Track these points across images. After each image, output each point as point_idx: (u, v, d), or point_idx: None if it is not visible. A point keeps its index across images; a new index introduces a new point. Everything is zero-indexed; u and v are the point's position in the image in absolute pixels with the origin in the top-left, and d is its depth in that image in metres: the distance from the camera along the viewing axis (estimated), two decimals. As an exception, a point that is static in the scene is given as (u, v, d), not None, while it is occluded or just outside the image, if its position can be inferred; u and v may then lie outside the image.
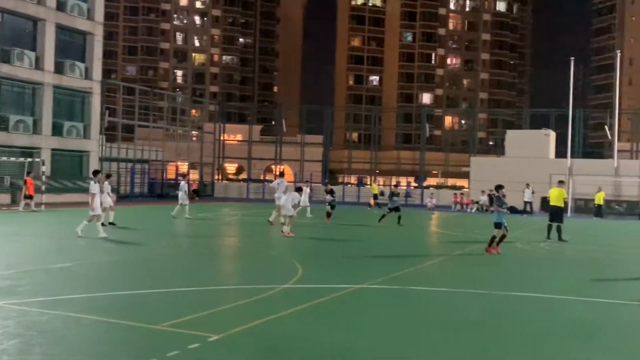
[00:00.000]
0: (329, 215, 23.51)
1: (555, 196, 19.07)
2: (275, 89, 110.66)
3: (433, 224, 26.77)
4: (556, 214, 18.68)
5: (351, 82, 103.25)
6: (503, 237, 14.76)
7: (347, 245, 16.25)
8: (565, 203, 19.27)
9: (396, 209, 22.77)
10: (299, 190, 19.54)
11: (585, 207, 38.86)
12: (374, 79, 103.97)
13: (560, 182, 19.99)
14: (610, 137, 44.83)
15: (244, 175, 57.57)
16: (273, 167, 58.00)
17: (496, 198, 15.44)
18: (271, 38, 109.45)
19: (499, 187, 15.57)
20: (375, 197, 40.54)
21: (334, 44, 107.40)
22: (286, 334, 6.51)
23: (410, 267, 11.85)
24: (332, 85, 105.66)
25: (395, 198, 23.48)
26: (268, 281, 9.65)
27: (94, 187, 15.68)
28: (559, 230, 18.33)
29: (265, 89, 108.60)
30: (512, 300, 8.89)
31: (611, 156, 42.97)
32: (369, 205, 38.64)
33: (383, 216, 23.14)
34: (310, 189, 29.16)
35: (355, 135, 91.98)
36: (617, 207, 39.02)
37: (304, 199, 27.13)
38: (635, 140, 54.09)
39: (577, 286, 10.50)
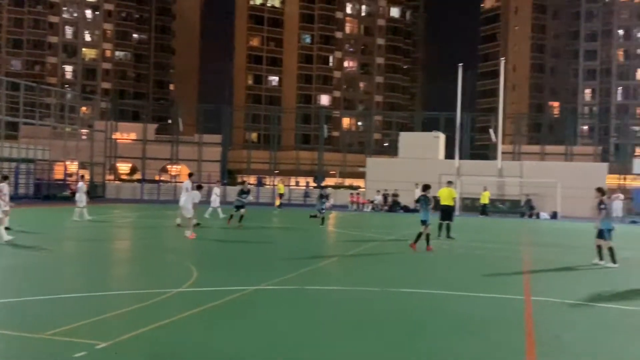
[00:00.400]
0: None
1: (445, 196, 19.89)
2: (172, 86, 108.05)
3: (331, 224, 27.20)
4: (446, 212, 19.53)
5: (250, 82, 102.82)
6: (427, 234, 15.80)
7: (246, 247, 16.16)
8: (455, 202, 20.21)
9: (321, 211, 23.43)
10: (199, 188, 19.18)
11: (472, 205, 40.93)
12: (274, 79, 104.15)
13: (449, 183, 20.92)
14: (494, 140, 47.46)
15: (138, 176, 55.73)
16: (169, 167, 56.60)
17: (423, 197, 16.22)
18: (167, 34, 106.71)
19: (426, 187, 16.56)
20: (281, 196, 40.74)
21: (233, 43, 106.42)
22: (177, 339, 6.39)
23: (307, 267, 11.99)
24: (231, 84, 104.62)
25: (323, 200, 24.00)
26: (161, 285, 9.43)
27: None
28: (448, 228, 19.21)
29: (161, 86, 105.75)
30: (404, 297, 9.22)
31: (495, 157, 45.51)
32: (276, 205, 38.67)
33: (315, 216, 23.67)
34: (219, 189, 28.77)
35: (254, 136, 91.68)
36: (500, 205, 41.40)
37: (215, 199, 26.77)
38: (518, 142, 57.71)
39: (465, 282, 11.05)
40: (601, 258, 13.97)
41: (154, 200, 43.06)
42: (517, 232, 25.05)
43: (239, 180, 45.05)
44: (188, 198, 18.06)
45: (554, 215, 38.51)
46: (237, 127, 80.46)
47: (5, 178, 17.85)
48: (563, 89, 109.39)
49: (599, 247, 14.10)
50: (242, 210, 21.65)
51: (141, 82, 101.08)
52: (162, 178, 52.27)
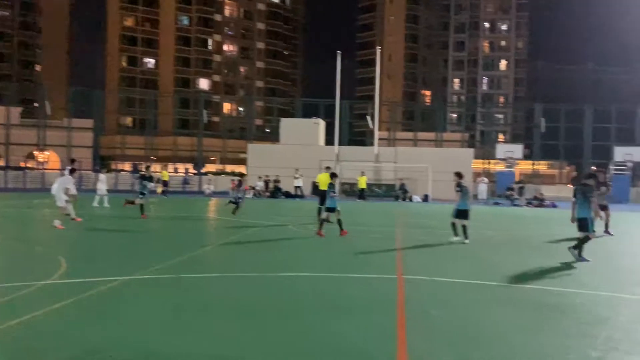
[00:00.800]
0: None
1: (323, 181, 20.23)
2: (39, 67, 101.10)
3: (211, 211, 26.83)
4: (324, 197, 19.87)
5: (124, 64, 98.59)
6: (324, 221, 16.53)
7: (122, 236, 15.56)
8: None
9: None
10: (72, 172, 18.12)
11: (351, 190, 42.04)
12: (149, 61, 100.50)
13: (327, 168, 21.30)
14: (371, 127, 48.92)
15: (1, 162, 51.79)
16: (36, 153, 53.10)
17: (330, 185, 16.76)
18: (33, 12, 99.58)
19: (333, 175, 17.34)
20: (165, 184, 39.30)
21: (105, 23, 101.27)
22: (41, 333, 6.03)
23: (185, 255, 11.75)
24: (104, 66, 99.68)
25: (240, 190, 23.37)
26: (25, 278, 8.84)
27: None
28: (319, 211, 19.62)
29: (27, 67, 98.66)
30: (280, 281, 9.30)
31: (372, 144, 46.97)
32: (162, 193, 37.16)
33: (234, 202, 22.82)
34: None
35: (129, 120, 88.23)
36: (377, 189, 42.88)
37: (101, 187, 25.45)
38: (393, 129, 59.94)
39: (341, 264, 11.34)
40: (456, 234, 15.22)
41: (19, 188, 40.23)
42: (391, 215, 26.05)
43: (141, 167, 42.88)
44: (60, 185, 17.04)
45: (425, 198, 40.50)
46: (110, 111, 77.01)
47: None
48: (434, 78, 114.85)
49: (454, 225, 15.36)
50: (141, 200, 20.67)
51: (3, 62, 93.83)
52: (28, 165, 48.93)
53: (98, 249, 12.98)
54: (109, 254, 12.09)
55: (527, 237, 17.42)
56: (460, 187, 15.52)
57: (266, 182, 41.78)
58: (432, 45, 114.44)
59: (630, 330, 6.55)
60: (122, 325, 6.43)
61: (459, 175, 15.98)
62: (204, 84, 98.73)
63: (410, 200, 40.03)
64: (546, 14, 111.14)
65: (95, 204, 24.77)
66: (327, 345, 5.73)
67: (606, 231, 17.71)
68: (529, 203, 36.62)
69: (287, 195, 41.26)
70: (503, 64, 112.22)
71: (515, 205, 37.79)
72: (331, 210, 16.39)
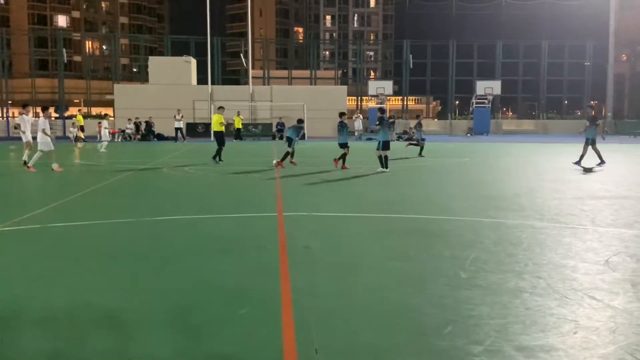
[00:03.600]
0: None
1: (215, 121, 20.23)
2: None
3: (78, 156, 25.34)
4: (221, 138, 20.17)
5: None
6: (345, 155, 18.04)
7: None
8: (223, 127, 20.61)
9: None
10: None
11: (227, 131, 41.40)
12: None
13: (220, 109, 20.98)
14: (245, 65, 48.04)
15: None
16: None
17: (340, 123, 18.76)
18: None
19: (341, 114, 18.84)
20: (82, 129, 36.39)
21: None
22: None
23: (53, 203, 11.04)
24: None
25: (302, 131, 21.81)
26: None
27: None
28: (219, 152, 19.82)
29: None
30: (158, 225, 9.02)
31: (247, 82, 46.27)
32: (76, 139, 34.31)
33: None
34: None
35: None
36: (254, 129, 42.62)
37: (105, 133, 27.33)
38: (267, 67, 59.29)
39: (221, 205, 11.19)
40: (383, 165, 17.04)
41: None
42: (269, 154, 26.05)
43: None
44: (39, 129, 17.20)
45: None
46: (-45, 51, 69.60)
47: None
48: (306, 15, 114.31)
49: (380, 157, 17.05)
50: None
51: None
52: None
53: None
54: (-37, 208, 11.07)
55: (397, 169, 18.14)
56: (380, 122, 16.84)
57: (136, 125, 40.08)
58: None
59: (493, 251, 7.05)
60: (-16, 282, 5.93)
61: (381, 110, 18.28)
62: (62, 20, 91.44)
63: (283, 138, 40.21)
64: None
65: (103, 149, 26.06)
66: (209, 285, 5.65)
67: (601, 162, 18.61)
68: (399, 138, 38.10)
69: (160, 137, 39.95)
70: (372, 0, 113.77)
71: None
72: (343, 146, 17.91)
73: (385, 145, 17.00)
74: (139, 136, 39.60)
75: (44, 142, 17.36)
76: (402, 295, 5.35)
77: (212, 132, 21.32)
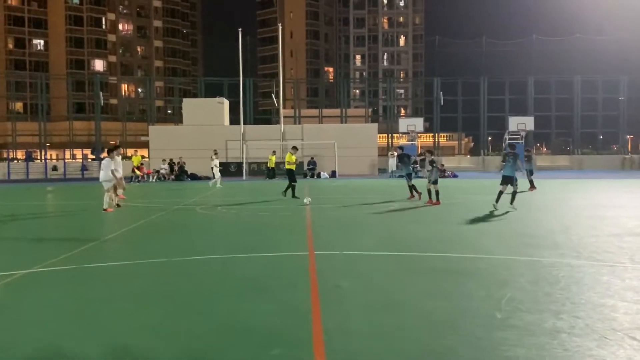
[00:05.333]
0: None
1: (287, 160, 21.72)
2: None
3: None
4: (290, 175, 21.45)
5: (11, 46, 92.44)
6: (436, 191, 18.49)
7: (19, 226, 14.60)
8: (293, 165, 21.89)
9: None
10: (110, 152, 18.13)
11: (258, 169, 41.80)
12: (39, 42, 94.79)
13: (293, 148, 21.96)
14: (276, 105, 48.70)
15: None
16: None
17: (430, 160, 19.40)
18: None
19: (429, 152, 20.12)
20: (138, 169, 38.05)
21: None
22: None
23: (88, 244, 11.21)
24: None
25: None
26: None
27: None
28: (291, 189, 20.99)
29: None
30: (190, 265, 9.06)
31: (278, 122, 46.81)
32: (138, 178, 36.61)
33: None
34: None
35: (19, 105, 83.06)
36: (285, 168, 42.82)
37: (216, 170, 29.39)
38: (297, 107, 60.00)
39: (251, 244, 11.21)
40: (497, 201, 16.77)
41: None
42: (301, 192, 26.10)
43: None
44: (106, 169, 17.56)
45: (333, 174, 40.99)
46: (-1, 96, 72.28)
47: None
48: (336, 54, 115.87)
49: (500, 192, 16.35)
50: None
51: None
52: None
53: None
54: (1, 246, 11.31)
55: (431, 207, 17.99)
56: (512, 157, 16.53)
57: (171, 165, 40.74)
58: (332, 22, 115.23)
59: (529, 291, 6.89)
60: (24, 322, 6.01)
61: (512, 147, 17.97)
62: (99, 65, 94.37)
63: (319, 176, 40.38)
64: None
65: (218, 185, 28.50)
66: (240, 326, 5.63)
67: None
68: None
69: (193, 177, 40.47)
70: (402, 39, 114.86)
71: (418, 177, 38.95)
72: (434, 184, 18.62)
73: (506, 180, 16.39)
74: (172, 176, 40.21)
75: (107, 181, 17.75)
76: (436, 336, 5.24)
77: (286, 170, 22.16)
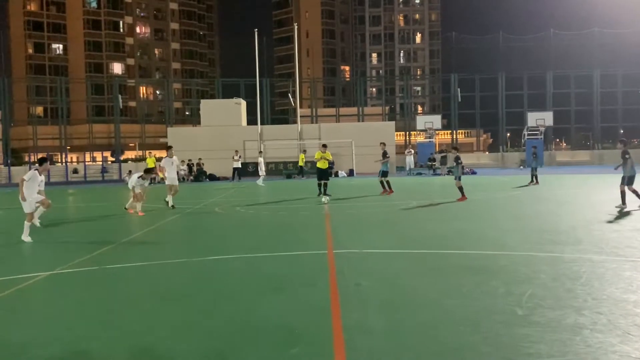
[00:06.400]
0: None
1: (317, 158, 21.73)
2: None
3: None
4: (319, 173, 21.56)
5: (31, 51, 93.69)
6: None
7: (42, 228, 14.79)
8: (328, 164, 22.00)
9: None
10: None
11: (276, 169, 41.89)
12: (58, 47, 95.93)
13: (323, 146, 22.07)
14: (293, 104, 48.75)
15: None
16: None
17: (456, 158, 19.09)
18: None
19: (455, 149, 20.26)
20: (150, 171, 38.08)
21: (7, 8, 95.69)
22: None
23: (109, 245, 11.33)
24: (8, 54, 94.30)
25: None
26: None
27: None
28: (323, 187, 21.07)
29: None
30: (210, 265, 9.12)
31: (295, 121, 46.88)
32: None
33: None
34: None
35: (40, 110, 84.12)
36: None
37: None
38: (315, 105, 59.99)
39: (271, 243, 11.25)
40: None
41: None
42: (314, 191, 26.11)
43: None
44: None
45: (350, 173, 40.96)
46: (19, 101, 73.21)
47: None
48: (352, 53, 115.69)
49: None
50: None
51: None
52: None
53: (10, 246, 12.29)
54: (23, 250, 11.48)
55: (449, 204, 17.90)
56: (628, 155, 15.71)
57: (189, 166, 40.97)
58: (348, 21, 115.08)
59: (551, 287, 6.84)
60: (48, 322, 6.11)
61: (623, 142, 17.06)
62: (117, 68, 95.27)
63: (337, 175, 40.37)
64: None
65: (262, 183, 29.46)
66: (260, 324, 5.67)
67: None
68: (449, 172, 37.63)
69: (212, 178, 40.68)
70: (418, 36, 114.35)
71: (436, 174, 38.82)
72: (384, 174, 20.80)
73: (629, 180, 15.72)
74: (191, 177, 40.44)
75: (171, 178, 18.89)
76: (457, 333, 5.23)
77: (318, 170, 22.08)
